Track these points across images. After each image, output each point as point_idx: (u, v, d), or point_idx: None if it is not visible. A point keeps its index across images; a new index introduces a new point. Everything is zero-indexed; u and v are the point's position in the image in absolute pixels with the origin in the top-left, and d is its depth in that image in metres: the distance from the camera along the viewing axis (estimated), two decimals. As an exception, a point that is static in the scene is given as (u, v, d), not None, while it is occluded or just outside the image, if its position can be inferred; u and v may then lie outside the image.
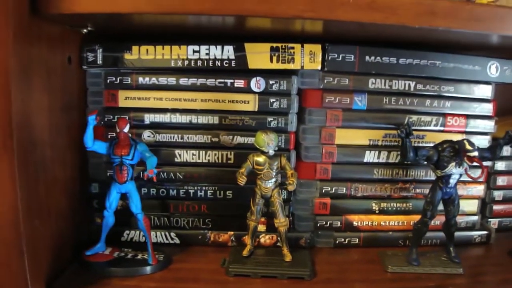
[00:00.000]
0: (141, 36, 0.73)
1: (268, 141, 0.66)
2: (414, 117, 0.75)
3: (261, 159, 0.68)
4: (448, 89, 0.76)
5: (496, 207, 0.86)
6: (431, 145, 0.72)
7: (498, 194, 0.85)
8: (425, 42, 0.72)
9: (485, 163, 0.69)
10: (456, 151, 0.68)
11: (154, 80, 0.72)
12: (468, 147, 0.67)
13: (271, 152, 0.67)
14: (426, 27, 0.60)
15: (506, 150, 0.84)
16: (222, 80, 0.72)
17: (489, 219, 0.86)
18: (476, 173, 0.71)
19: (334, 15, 0.58)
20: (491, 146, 0.73)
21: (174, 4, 0.56)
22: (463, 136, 0.77)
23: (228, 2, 0.56)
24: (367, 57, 0.73)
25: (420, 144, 0.76)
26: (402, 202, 0.77)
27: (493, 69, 0.76)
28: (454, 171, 0.69)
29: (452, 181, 0.70)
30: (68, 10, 0.55)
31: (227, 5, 0.56)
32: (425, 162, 0.70)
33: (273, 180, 0.69)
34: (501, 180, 0.84)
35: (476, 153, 0.67)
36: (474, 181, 0.74)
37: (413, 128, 0.74)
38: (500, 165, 0.84)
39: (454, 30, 0.61)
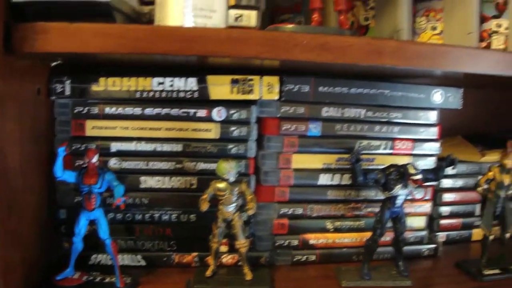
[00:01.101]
0: (108, 68, 0.76)
1: (229, 169, 0.71)
2: (365, 142, 0.81)
3: (222, 185, 0.72)
4: (396, 115, 0.82)
5: (443, 222, 0.92)
6: (381, 167, 0.78)
7: (445, 210, 0.92)
8: (375, 73, 0.78)
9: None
10: (402, 174, 0.74)
11: (120, 110, 0.76)
12: (411, 171, 0.73)
13: (232, 179, 0.72)
14: (374, 64, 0.66)
15: (450, 170, 0.90)
16: (185, 110, 0.76)
17: (438, 233, 0.92)
18: (421, 193, 0.77)
19: (289, 55, 0.63)
20: (434, 168, 0.80)
21: (142, 45, 0.60)
22: (411, 159, 0.83)
23: (193, 43, 0.60)
24: (321, 88, 0.78)
25: (370, 167, 0.82)
26: (355, 220, 0.83)
27: (438, 96, 0.83)
28: (400, 192, 0.75)
29: (399, 202, 0.75)
30: (42, 49, 0.58)
31: (192, 46, 0.60)
32: (374, 185, 0.76)
33: (234, 204, 0.73)
34: (447, 197, 0.91)
35: (419, 176, 0.73)
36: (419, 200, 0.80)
37: (364, 152, 0.80)
38: (446, 183, 0.91)
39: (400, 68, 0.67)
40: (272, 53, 0.63)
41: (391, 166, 0.75)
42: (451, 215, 0.92)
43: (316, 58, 0.64)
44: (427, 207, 0.86)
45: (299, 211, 0.81)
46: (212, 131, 0.77)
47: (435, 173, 0.77)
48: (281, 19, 0.89)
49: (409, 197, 0.76)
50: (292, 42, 0.63)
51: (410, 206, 0.85)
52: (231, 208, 0.73)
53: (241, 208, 0.75)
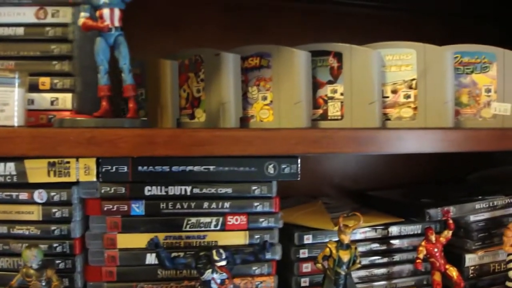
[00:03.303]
0: None
1: (31, 257, 0.71)
2: (193, 219, 0.80)
3: (30, 271, 0.73)
4: (225, 190, 0.80)
5: (305, 292, 0.89)
6: (213, 244, 0.77)
7: (304, 280, 0.88)
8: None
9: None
10: (210, 259, 0.72)
11: None
12: (215, 257, 0.71)
13: (35, 266, 0.72)
14: (148, 156, 0.65)
15: (307, 238, 0.87)
16: (8, 193, 0.78)
17: (299, 304, 0.89)
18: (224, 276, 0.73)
19: (56, 151, 0.63)
20: (253, 251, 0.76)
21: None
22: (247, 234, 0.81)
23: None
24: (140, 167, 0.77)
25: (202, 244, 0.80)
26: (189, 298, 0.81)
27: (271, 168, 0.80)
28: (214, 276, 0.72)
29: (214, 286, 0.73)
30: None
31: None
32: (185, 269, 0.74)
33: (44, 290, 0.73)
34: (304, 267, 0.87)
35: (223, 263, 0.71)
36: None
37: (193, 229, 0.78)
38: (303, 253, 0.87)
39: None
40: (41, 151, 0.63)
41: (202, 250, 0.73)
42: (311, 285, 0.88)
43: (85, 153, 0.63)
44: (269, 282, 0.83)
45: (129, 290, 0.80)
46: (34, 213, 0.78)
47: (254, 255, 0.74)
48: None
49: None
50: (59, 138, 0.63)
51: (251, 282, 0.82)
52: (39, 294, 0.73)
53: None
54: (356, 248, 0.79)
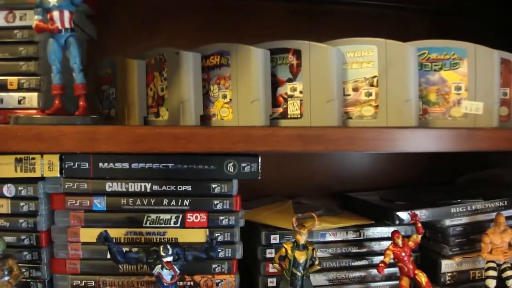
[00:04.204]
0: None
1: (-8, 247, 0.75)
2: (153, 216, 0.81)
3: (-7, 261, 0.76)
4: (185, 188, 0.81)
5: (270, 291, 0.88)
6: (173, 241, 0.78)
7: (270, 280, 0.87)
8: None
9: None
10: (159, 254, 0.73)
11: None
12: (161, 253, 0.72)
13: (-3, 256, 0.76)
14: (90, 152, 0.67)
15: (274, 238, 0.86)
16: (-21, 187, 0.82)
17: (268, 304, 0.88)
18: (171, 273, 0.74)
19: (7, 147, 0.66)
20: (205, 248, 0.76)
21: None
22: (206, 232, 0.81)
23: None
24: (100, 164, 0.79)
25: (162, 240, 0.81)
26: (151, 292, 0.82)
27: (231, 167, 0.80)
28: (163, 272, 0.73)
29: (165, 280, 0.74)
30: None
31: None
32: (138, 264, 0.75)
33: (5, 278, 0.77)
34: (271, 267, 0.87)
35: (169, 259, 0.72)
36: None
37: (153, 226, 0.80)
38: (270, 253, 0.87)
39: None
40: (-5, 147, 0.66)
41: (153, 246, 0.74)
42: (278, 285, 0.87)
43: (30, 148, 0.66)
44: (229, 281, 0.82)
45: (92, 283, 0.82)
46: (4, 207, 0.82)
47: (206, 253, 0.75)
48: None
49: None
50: (9, 134, 0.66)
51: (211, 280, 0.82)
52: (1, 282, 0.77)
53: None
54: (314, 250, 0.77)
